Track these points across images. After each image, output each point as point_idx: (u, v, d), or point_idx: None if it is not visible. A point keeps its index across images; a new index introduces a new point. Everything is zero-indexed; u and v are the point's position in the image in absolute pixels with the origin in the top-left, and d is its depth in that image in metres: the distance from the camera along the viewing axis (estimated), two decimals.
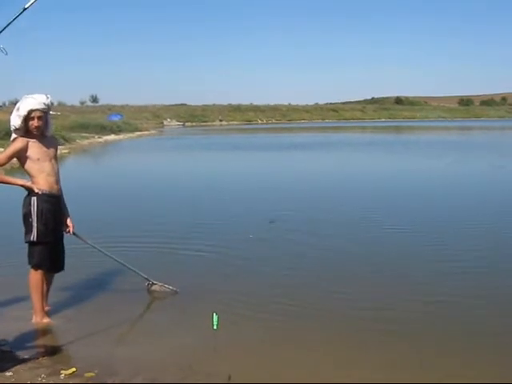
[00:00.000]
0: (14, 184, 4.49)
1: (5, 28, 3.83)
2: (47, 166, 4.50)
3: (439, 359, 3.91)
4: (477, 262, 6.27)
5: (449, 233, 7.84)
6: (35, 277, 4.49)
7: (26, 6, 3.84)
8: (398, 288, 5.45)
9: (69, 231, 4.74)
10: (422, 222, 8.56)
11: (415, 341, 4.23)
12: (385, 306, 4.98)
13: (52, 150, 4.60)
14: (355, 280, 5.72)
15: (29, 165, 4.45)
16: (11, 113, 4.45)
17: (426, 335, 4.34)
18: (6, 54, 3.84)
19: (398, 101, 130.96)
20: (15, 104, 4.54)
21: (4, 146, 13.36)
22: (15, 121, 4.40)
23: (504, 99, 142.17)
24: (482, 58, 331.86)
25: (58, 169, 4.64)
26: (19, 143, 4.41)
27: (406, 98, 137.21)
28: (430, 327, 4.51)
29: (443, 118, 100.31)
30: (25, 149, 4.41)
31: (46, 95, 4.47)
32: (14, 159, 4.50)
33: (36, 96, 4.42)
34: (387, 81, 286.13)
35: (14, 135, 4.49)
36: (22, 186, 4.48)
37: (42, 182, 4.46)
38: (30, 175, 4.50)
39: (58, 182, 4.61)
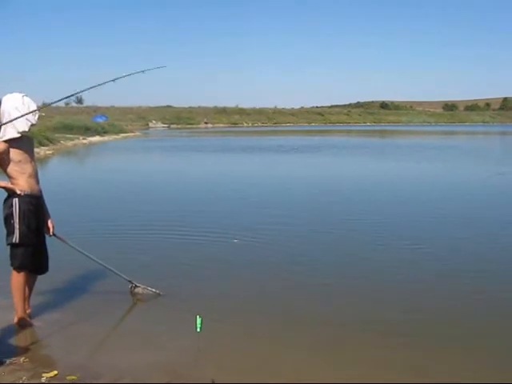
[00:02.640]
0: None
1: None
2: (28, 167, 4.45)
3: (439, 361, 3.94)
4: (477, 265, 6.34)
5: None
6: (18, 278, 4.45)
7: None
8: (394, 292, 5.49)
9: (49, 232, 4.70)
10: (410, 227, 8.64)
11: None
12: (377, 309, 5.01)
13: (31, 151, 4.57)
14: (343, 282, 5.75)
15: (10, 167, 4.38)
16: None
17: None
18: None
19: (384, 105, 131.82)
20: None
21: None
22: (25, 126, 4.33)
23: (488, 105, 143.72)
24: (466, 63, 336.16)
25: (37, 169, 4.60)
26: (1, 146, 4.34)
27: (392, 102, 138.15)
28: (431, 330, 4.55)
29: (428, 122, 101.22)
30: (7, 151, 4.35)
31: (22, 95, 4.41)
32: None
33: (27, 99, 4.36)
34: (373, 85, 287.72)
35: None
36: (3, 187, 4.43)
37: (23, 184, 4.40)
38: (10, 177, 4.43)
39: (38, 182, 4.57)
